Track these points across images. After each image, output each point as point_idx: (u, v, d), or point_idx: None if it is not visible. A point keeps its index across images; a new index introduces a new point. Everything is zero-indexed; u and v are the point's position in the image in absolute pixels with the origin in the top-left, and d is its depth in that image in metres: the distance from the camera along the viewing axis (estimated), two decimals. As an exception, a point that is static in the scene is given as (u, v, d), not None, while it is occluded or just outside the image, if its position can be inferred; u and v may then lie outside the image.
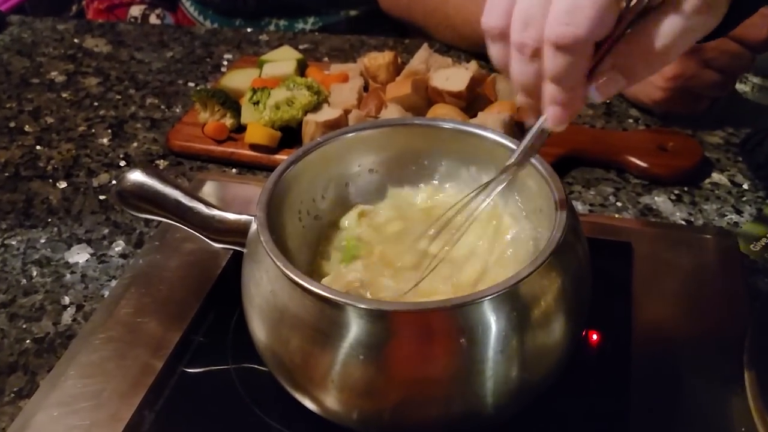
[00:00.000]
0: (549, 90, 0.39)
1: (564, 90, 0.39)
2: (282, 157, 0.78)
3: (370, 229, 0.55)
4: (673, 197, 0.73)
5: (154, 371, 0.54)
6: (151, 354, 0.56)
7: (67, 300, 0.64)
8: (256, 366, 0.54)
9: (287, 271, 0.43)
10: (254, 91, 0.81)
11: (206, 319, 0.60)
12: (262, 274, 0.45)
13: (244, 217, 0.52)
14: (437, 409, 0.43)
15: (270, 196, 0.48)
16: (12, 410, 0.54)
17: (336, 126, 0.76)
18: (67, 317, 0.63)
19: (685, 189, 0.74)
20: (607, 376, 0.54)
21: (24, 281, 0.66)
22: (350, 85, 0.81)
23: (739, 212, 0.70)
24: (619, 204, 0.72)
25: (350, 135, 0.54)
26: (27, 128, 0.89)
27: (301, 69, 0.89)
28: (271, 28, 1.15)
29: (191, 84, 0.97)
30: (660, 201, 0.72)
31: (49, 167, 0.82)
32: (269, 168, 0.78)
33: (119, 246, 0.70)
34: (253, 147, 0.79)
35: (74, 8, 1.39)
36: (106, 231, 0.72)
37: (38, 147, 0.86)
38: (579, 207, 0.72)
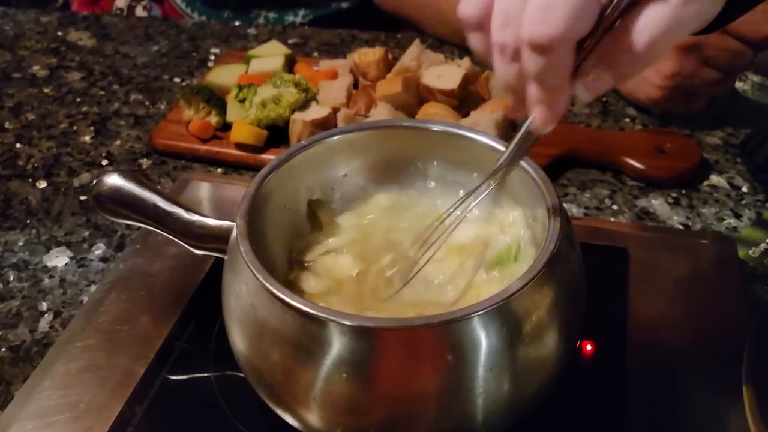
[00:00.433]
0: (532, 90, 0.37)
1: (547, 90, 0.37)
2: (269, 156, 0.76)
3: (357, 233, 0.53)
4: (670, 200, 0.71)
5: (133, 380, 0.53)
6: (131, 362, 0.54)
7: (44, 306, 0.62)
8: (238, 374, 0.52)
9: (267, 284, 0.41)
10: (240, 88, 0.78)
11: (188, 326, 0.58)
12: (242, 286, 0.43)
13: (225, 223, 0.50)
14: (424, 428, 0.41)
15: (251, 204, 0.47)
16: (-16, 423, 0.52)
17: (324, 125, 0.74)
18: (44, 324, 0.60)
19: (683, 192, 0.72)
20: (601, 389, 0.52)
21: (0, 286, 0.64)
22: (339, 82, 0.79)
23: (738, 216, 0.68)
24: (615, 207, 0.70)
25: (336, 138, 0.52)
26: (7, 125, 0.87)
27: (290, 65, 0.87)
28: (261, 20, 1.13)
29: (177, 79, 0.95)
30: (657, 204, 0.70)
31: (29, 166, 0.80)
32: (256, 168, 0.76)
33: (100, 249, 0.68)
34: (239, 146, 0.77)
35: (60, -1, 1.36)
36: (86, 233, 0.70)
37: (18, 145, 0.83)
38: (574, 210, 0.70)
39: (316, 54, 0.99)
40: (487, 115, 0.72)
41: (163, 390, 0.53)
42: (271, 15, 1.13)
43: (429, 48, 0.87)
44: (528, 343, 0.41)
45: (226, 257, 0.48)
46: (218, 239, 0.49)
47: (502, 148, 0.49)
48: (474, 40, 0.39)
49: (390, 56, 0.84)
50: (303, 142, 0.52)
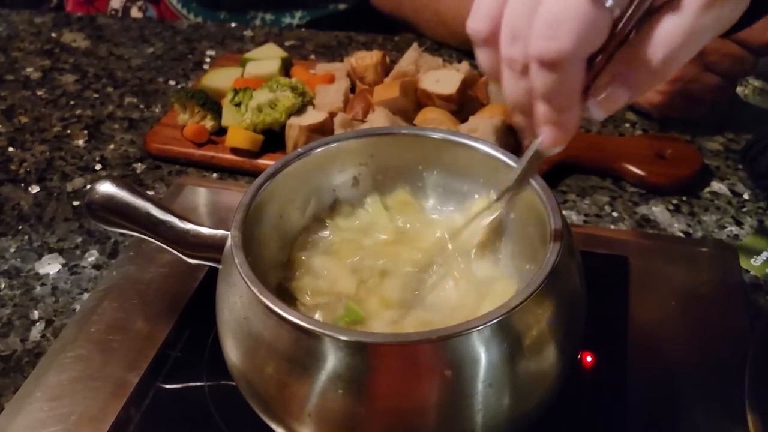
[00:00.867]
0: (540, 109, 0.36)
1: (556, 109, 0.35)
2: (265, 162, 0.75)
3: (354, 243, 0.52)
4: (671, 207, 0.70)
5: (126, 391, 0.52)
6: (124, 372, 0.53)
7: (36, 314, 0.61)
8: (232, 384, 0.51)
9: (262, 297, 0.40)
10: (236, 91, 0.77)
11: (183, 334, 0.57)
12: (236, 298, 0.43)
13: (220, 232, 0.49)
14: (422, 445, 0.40)
15: (246, 214, 0.46)
16: (-27, 435, 0.51)
17: (321, 130, 0.73)
18: (35, 333, 0.59)
19: (684, 198, 0.71)
20: (601, 402, 0.51)
21: (-9, 294, 0.63)
22: (336, 86, 0.78)
23: (739, 224, 0.68)
24: (615, 214, 0.69)
25: (332, 145, 0.51)
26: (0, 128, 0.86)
27: (286, 68, 0.86)
28: (257, 22, 1.12)
29: (172, 82, 0.94)
30: (657, 211, 0.69)
31: (22, 170, 0.78)
32: (251, 173, 0.75)
33: (92, 256, 0.67)
34: (235, 151, 0.76)
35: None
36: (79, 240, 0.68)
37: (11, 149, 0.82)
38: (573, 217, 0.69)
39: (312, 56, 0.98)
40: (485, 120, 0.71)
41: (156, 400, 0.52)
42: (268, 16, 1.12)
43: (427, 51, 0.86)
44: (528, 358, 0.40)
45: (220, 267, 0.47)
46: (212, 248, 0.48)
47: (503, 157, 0.48)
48: (482, 56, 0.37)
49: (387, 59, 0.83)
50: (299, 149, 0.51)
